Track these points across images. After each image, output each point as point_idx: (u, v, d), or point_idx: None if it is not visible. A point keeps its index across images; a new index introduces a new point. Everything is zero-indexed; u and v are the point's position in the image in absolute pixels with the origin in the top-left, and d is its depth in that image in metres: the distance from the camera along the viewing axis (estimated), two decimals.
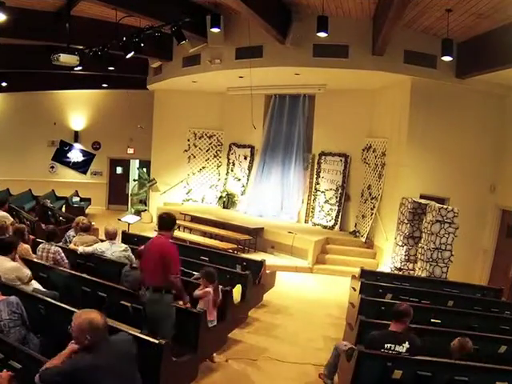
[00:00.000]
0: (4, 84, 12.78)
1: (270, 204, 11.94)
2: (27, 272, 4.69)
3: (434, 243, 7.49)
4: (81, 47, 9.03)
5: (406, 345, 3.89)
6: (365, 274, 6.75)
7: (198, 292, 5.01)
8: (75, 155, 14.96)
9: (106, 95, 14.74)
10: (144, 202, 13.89)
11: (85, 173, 15.14)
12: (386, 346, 3.89)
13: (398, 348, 3.88)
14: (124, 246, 6.21)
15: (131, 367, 2.99)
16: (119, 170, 15.56)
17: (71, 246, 6.37)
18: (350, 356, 4.11)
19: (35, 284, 4.82)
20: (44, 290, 4.79)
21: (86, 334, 2.77)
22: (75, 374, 2.71)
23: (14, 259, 4.70)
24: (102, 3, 8.02)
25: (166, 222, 4.45)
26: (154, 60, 11.81)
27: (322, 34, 7.40)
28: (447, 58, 7.57)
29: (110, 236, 6.17)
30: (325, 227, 10.91)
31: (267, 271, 7.21)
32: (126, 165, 15.58)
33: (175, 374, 3.94)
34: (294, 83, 10.73)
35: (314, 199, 11.37)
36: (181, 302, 4.54)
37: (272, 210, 11.86)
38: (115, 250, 5.99)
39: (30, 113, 14.24)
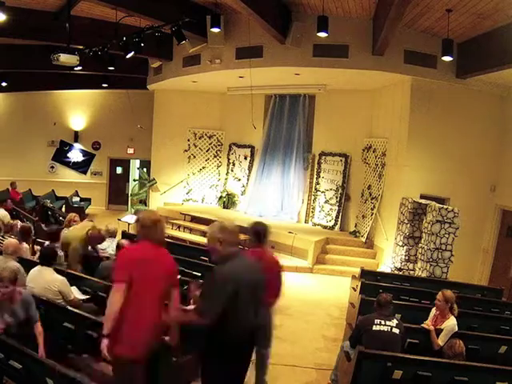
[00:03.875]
0: (4, 84, 12.78)
1: (270, 204, 11.94)
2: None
3: (435, 243, 7.48)
4: (81, 47, 9.02)
5: (395, 321, 4.15)
6: (365, 274, 6.74)
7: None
8: (75, 155, 14.95)
9: (106, 95, 14.73)
10: (144, 202, 13.89)
11: (85, 173, 15.14)
12: (376, 321, 4.12)
13: (389, 323, 4.11)
14: None
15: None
16: (119, 170, 15.56)
17: None
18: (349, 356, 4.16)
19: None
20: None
21: (217, 236, 2.96)
22: (225, 278, 2.90)
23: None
24: (102, 3, 8.01)
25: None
26: (154, 60, 11.82)
27: (322, 34, 7.41)
28: (447, 58, 7.57)
29: (110, 234, 6.26)
30: (325, 227, 10.91)
31: None
32: (126, 165, 15.58)
33: (175, 373, 3.93)
34: (293, 83, 10.72)
35: (314, 199, 11.37)
36: None
37: (272, 210, 11.85)
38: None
39: (30, 113, 14.25)
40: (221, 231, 2.97)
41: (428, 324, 4.60)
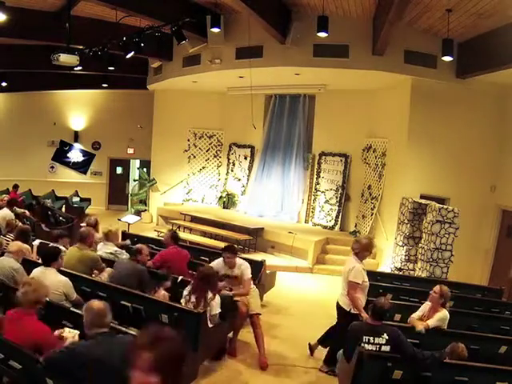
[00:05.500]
0: (4, 84, 12.78)
1: (270, 204, 11.94)
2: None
3: (435, 243, 7.48)
4: (81, 47, 9.03)
5: (385, 336, 3.89)
6: None
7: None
8: (75, 155, 14.97)
9: (106, 95, 14.73)
10: (144, 202, 13.89)
11: (85, 173, 15.14)
12: (364, 338, 3.90)
13: (378, 340, 3.88)
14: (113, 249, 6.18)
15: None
16: (119, 169, 15.56)
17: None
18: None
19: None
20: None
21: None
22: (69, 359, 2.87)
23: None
24: (102, 3, 8.03)
25: None
26: (154, 60, 11.82)
27: (322, 34, 7.42)
28: (447, 58, 7.57)
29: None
30: (325, 227, 10.91)
31: (267, 271, 7.20)
32: (126, 165, 15.59)
33: None
34: (293, 83, 10.73)
35: (314, 199, 11.37)
36: None
37: (272, 210, 11.86)
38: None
39: (29, 113, 14.25)
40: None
41: (415, 319, 4.61)
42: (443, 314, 4.53)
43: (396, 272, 8.22)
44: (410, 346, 3.86)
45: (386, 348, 3.88)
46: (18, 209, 8.81)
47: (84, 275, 5.22)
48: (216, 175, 13.40)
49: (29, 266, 4.90)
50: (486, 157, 8.90)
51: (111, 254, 6.02)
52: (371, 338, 3.89)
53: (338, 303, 4.89)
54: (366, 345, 3.88)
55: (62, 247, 5.71)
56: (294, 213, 11.62)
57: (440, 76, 8.42)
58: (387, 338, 3.89)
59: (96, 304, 3.04)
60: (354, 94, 10.58)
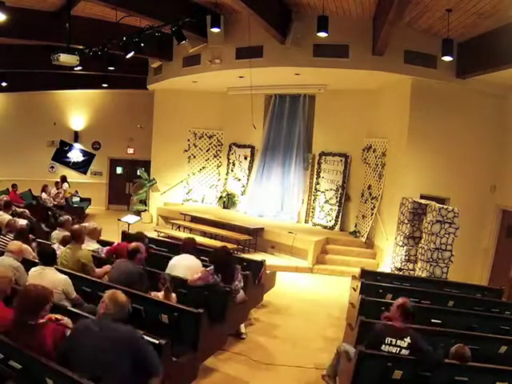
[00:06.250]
0: (4, 84, 12.79)
1: (270, 204, 11.94)
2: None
3: (435, 243, 7.48)
4: (81, 47, 9.03)
5: (408, 340, 3.85)
6: (365, 274, 6.73)
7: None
8: (75, 155, 14.97)
9: (106, 95, 14.73)
10: (144, 202, 13.88)
11: (85, 173, 15.15)
12: (387, 339, 3.86)
13: (400, 342, 3.84)
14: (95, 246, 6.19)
15: (115, 356, 2.98)
16: (119, 170, 15.57)
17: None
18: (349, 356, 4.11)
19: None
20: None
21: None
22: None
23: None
24: (102, 3, 8.03)
25: None
26: (154, 60, 11.83)
27: (322, 34, 7.43)
28: (447, 58, 7.58)
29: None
30: (325, 227, 10.91)
31: (267, 271, 7.20)
32: (126, 165, 15.59)
33: (175, 373, 3.93)
34: (294, 83, 10.73)
35: (315, 199, 11.37)
36: None
37: (272, 210, 11.86)
38: None
39: (30, 113, 14.24)
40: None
41: None
42: None
43: (396, 272, 8.21)
44: (426, 345, 3.84)
45: (405, 352, 3.82)
46: (18, 209, 8.81)
47: (84, 275, 5.22)
48: (216, 175, 13.41)
49: (28, 265, 4.90)
50: (486, 157, 8.91)
51: (93, 251, 6.00)
52: (393, 340, 3.86)
53: None
54: (386, 346, 3.85)
55: (62, 248, 5.71)
56: (294, 213, 11.62)
57: (440, 76, 8.42)
58: (409, 341, 3.84)
59: (121, 297, 3.23)
60: (353, 94, 10.58)
